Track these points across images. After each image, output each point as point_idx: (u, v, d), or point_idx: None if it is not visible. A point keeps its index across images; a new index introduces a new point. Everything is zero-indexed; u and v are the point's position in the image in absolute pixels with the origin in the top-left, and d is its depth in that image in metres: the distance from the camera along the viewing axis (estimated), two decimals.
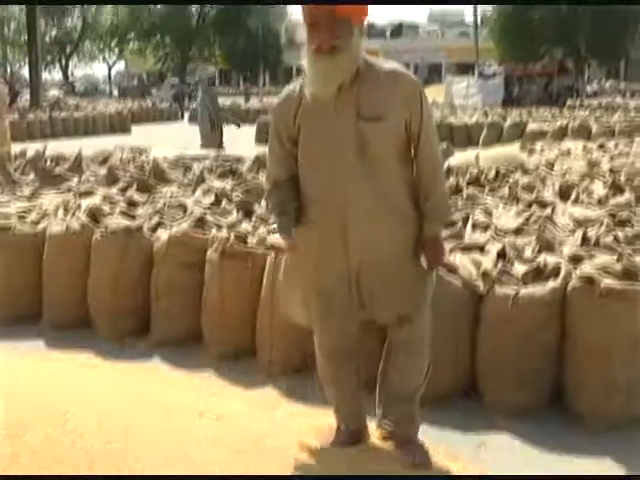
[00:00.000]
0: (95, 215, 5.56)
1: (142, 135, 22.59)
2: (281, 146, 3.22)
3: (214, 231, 5.13)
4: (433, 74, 65.66)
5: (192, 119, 30.52)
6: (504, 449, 3.74)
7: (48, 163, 8.14)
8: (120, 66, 75.72)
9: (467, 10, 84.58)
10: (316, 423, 3.76)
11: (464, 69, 54.35)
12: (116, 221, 5.38)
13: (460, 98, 35.21)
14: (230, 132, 23.43)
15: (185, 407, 3.90)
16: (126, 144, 10.64)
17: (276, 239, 3.27)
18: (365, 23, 3.11)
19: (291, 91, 3.19)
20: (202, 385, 4.46)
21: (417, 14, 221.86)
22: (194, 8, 57.52)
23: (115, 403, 3.75)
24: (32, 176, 7.61)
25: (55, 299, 5.48)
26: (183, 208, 5.75)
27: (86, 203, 6.05)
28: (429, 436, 3.64)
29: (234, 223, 5.35)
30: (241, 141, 19.68)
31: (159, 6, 57.23)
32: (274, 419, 3.90)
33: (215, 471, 3.11)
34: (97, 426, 3.29)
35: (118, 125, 25.40)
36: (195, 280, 5.04)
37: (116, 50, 64.91)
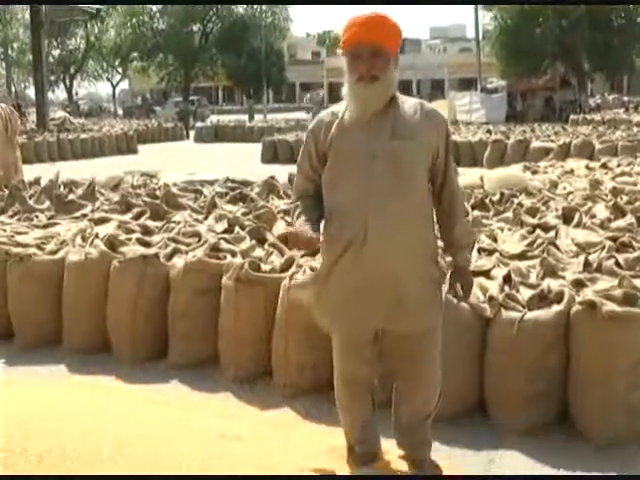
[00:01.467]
0: (112, 243, 5.75)
1: (150, 154, 22.89)
2: (310, 164, 3.48)
3: (229, 258, 5.32)
4: (436, 90, 65.99)
5: (198, 138, 30.93)
6: (513, 465, 3.91)
7: (61, 189, 8.32)
8: (124, 85, 76.30)
9: (468, 25, 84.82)
10: (332, 443, 3.93)
11: (466, 85, 54.79)
12: (133, 249, 5.56)
13: (463, 114, 35.49)
14: (234, 151, 23.72)
15: (206, 428, 4.07)
16: (135, 168, 10.84)
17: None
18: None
19: (325, 116, 3.49)
20: (220, 406, 4.64)
21: (419, 30, 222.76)
22: (196, 27, 58.01)
23: (137, 427, 3.91)
24: (47, 204, 7.80)
25: (75, 325, 5.66)
26: (197, 235, 5.93)
27: (102, 230, 6.26)
28: (440, 453, 3.82)
29: (247, 250, 5.54)
30: (246, 161, 19.83)
31: (162, 25, 57.77)
32: (291, 439, 4.07)
33: None
34: (117, 449, 3.44)
35: (125, 146, 25.68)
36: (211, 305, 5.22)
37: (120, 69, 65.41)
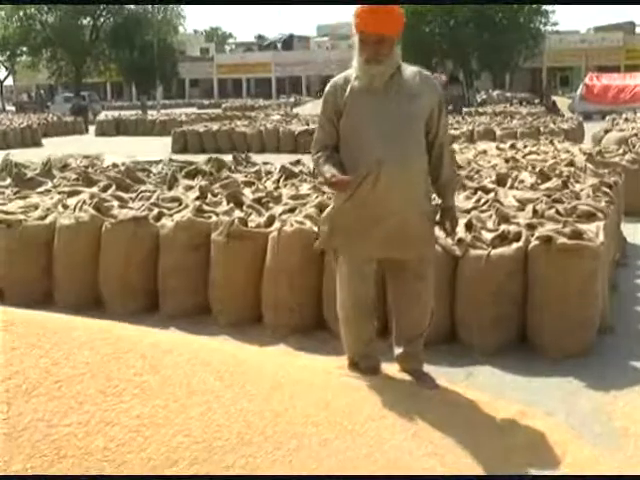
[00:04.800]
0: (99, 209, 6.23)
1: (55, 147, 22.82)
2: (329, 120, 4.16)
3: (214, 217, 5.90)
4: (325, 86, 66.94)
5: (99, 132, 30.80)
6: (487, 377, 4.67)
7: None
8: (9, 81, 74.27)
9: None
10: (334, 364, 4.58)
11: None
12: (123, 211, 6.08)
13: None
14: (141, 143, 23.87)
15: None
16: (74, 153, 11.18)
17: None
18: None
19: (339, 79, 4.19)
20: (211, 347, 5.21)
21: (306, 27, 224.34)
22: (87, 21, 57.26)
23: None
24: (8, 181, 8.14)
25: (67, 284, 6.12)
26: (177, 200, 6.48)
27: (74, 202, 6.71)
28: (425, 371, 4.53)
29: (227, 211, 6.13)
30: (157, 152, 20.00)
31: (52, 19, 56.70)
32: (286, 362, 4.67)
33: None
34: None
35: (29, 139, 25.56)
36: (200, 260, 5.80)
37: (7, 64, 63.76)
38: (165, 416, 2.56)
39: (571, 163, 8.62)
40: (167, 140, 23.19)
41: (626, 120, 18.76)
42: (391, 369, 4.45)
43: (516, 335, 5.06)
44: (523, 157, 10.16)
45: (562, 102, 36.45)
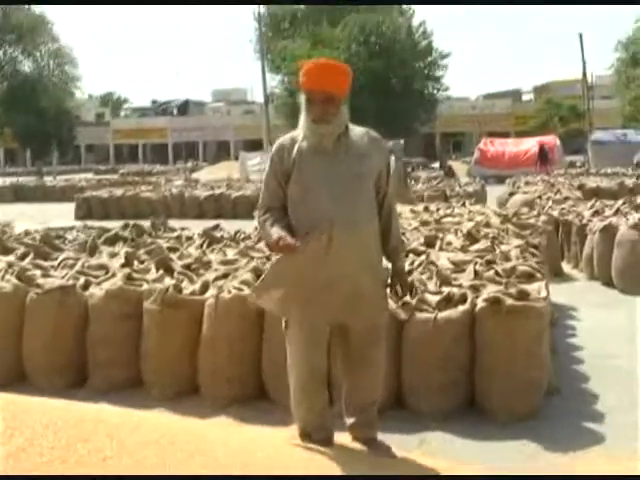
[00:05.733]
0: (20, 278, 5.92)
1: None
2: (276, 181, 4.06)
3: (146, 285, 5.68)
4: (222, 151, 67.36)
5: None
6: (440, 443, 4.58)
7: None
8: None
9: (249, 89, 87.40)
10: (283, 436, 4.40)
11: (254, 145, 56.26)
12: (49, 280, 5.79)
13: (256, 173, 36.67)
14: (43, 210, 23.21)
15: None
16: None
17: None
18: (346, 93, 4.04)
19: (285, 140, 4.10)
20: (161, 419, 4.96)
21: (201, 92, 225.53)
22: None
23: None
24: None
25: None
26: (104, 268, 6.22)
27: None
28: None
29: (158, 278, 5.92)
30: (61, 218, 19.49)
31: None
32: (248, 436, 4.49)
33: None
34: None
35: None
36: (131, 330, 5.55)
37: None
38: None
39: (488, 224, 8.76)
40: (69, 206, 22.61)
41: (527, 183, 19.38)
42: (342, 438, 4.30)
43: (464, 399, 4.99)
44: (440, 219, 10.28)
45: (457, 167, 37.51)
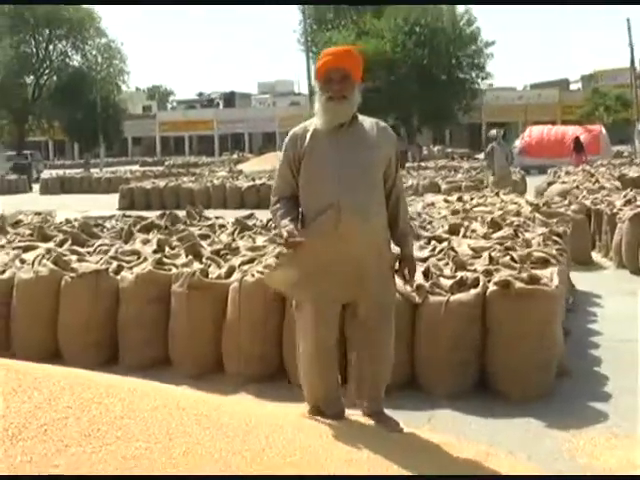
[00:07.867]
0: (57, 263, 6.23)
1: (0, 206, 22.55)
2: (289, 169, 4.26)
3: (174, 269, 5.94)
4: (267, 143, 67.71)
5: (44, 190, 30.58)
6: (448, 420, 4.76)
7: None
8: None
9: (295, 81, 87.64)
10: (297, 412, 4.61)
11: None
12: (84, 265, 6.08)
13: None
14: (87, 201, 23.73)
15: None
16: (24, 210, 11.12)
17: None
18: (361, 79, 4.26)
19: (299, 129, 4.30)
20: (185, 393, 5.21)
21: (247, 85, 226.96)
22: (30, 79, 57.10)
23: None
24: None
25: (25, 338, 6.07)
26: (136, 253, 6.51)
27: (30, 257, 6.70)
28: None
29: (186, 264, 6.18)
30: (104, 209, 19.93)
31: None
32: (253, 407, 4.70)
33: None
34: None
35: None
36: (160, 312, 5.82)
37: None
38: (148, 457, 2.59)
39: (518, 213, 8.88)
40: (113, 197, 23.16)
41: (567, 173, 19.33)
42: (353, 413, 4.50)
43: (475, 380, 5.16)
44: (471, 208, 10.41)
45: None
